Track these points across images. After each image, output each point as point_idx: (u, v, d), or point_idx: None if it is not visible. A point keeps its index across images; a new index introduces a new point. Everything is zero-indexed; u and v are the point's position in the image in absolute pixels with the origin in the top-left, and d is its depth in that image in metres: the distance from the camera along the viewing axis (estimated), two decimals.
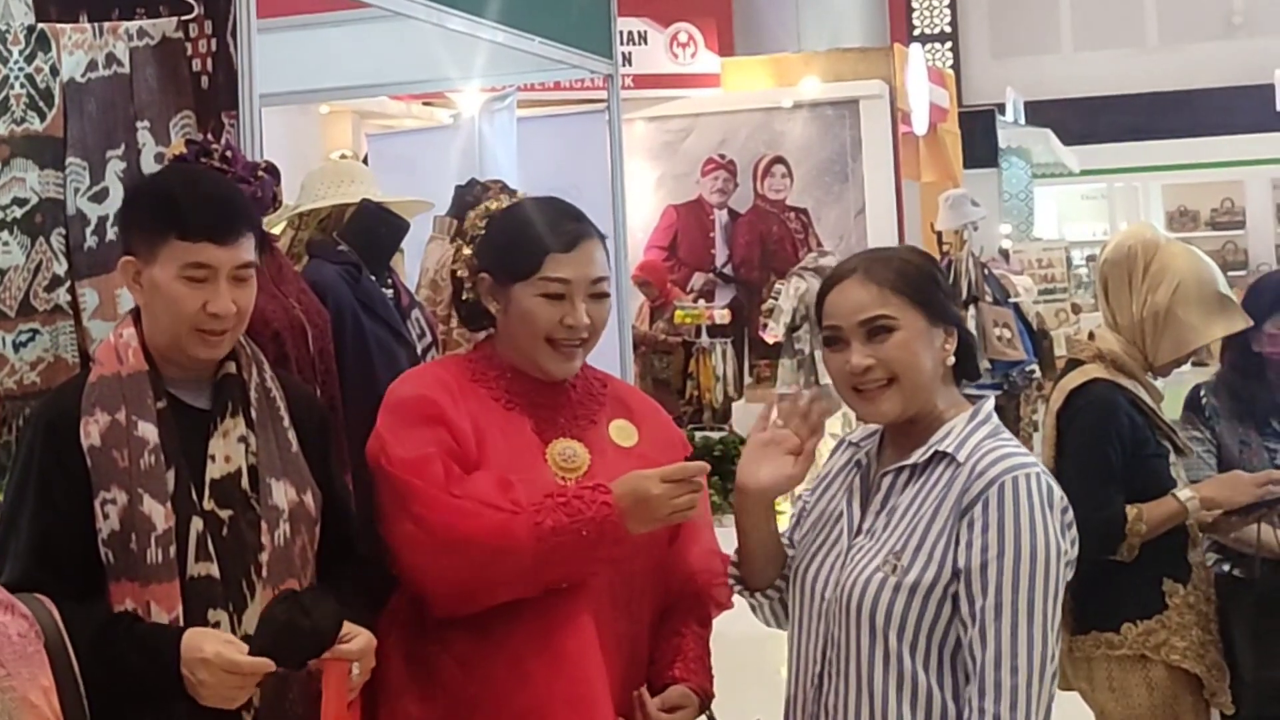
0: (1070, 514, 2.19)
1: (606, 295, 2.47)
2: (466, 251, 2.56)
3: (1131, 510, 3.13)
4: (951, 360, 2.27)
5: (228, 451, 2.30)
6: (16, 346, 2.85)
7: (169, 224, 2.26)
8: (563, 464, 2.42)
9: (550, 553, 2.28)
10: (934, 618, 2.14)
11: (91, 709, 2.09)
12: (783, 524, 2.41)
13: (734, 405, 9.43)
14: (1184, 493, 3.17)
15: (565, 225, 2.47)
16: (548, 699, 2.31)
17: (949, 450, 2.20)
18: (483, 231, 2.56)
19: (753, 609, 2.44)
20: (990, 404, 2.29)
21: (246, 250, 2.32)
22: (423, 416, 2.38)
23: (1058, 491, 2.17)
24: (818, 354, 8.09)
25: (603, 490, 2.30)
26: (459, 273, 2.57)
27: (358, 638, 2.23)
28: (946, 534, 2.15)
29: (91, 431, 2.24)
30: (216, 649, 2.12)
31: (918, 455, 2.23)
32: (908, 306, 2.22)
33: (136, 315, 2.36)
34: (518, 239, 2.48)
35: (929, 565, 2.14)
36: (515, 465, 2.38)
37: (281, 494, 2.31)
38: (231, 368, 2.36)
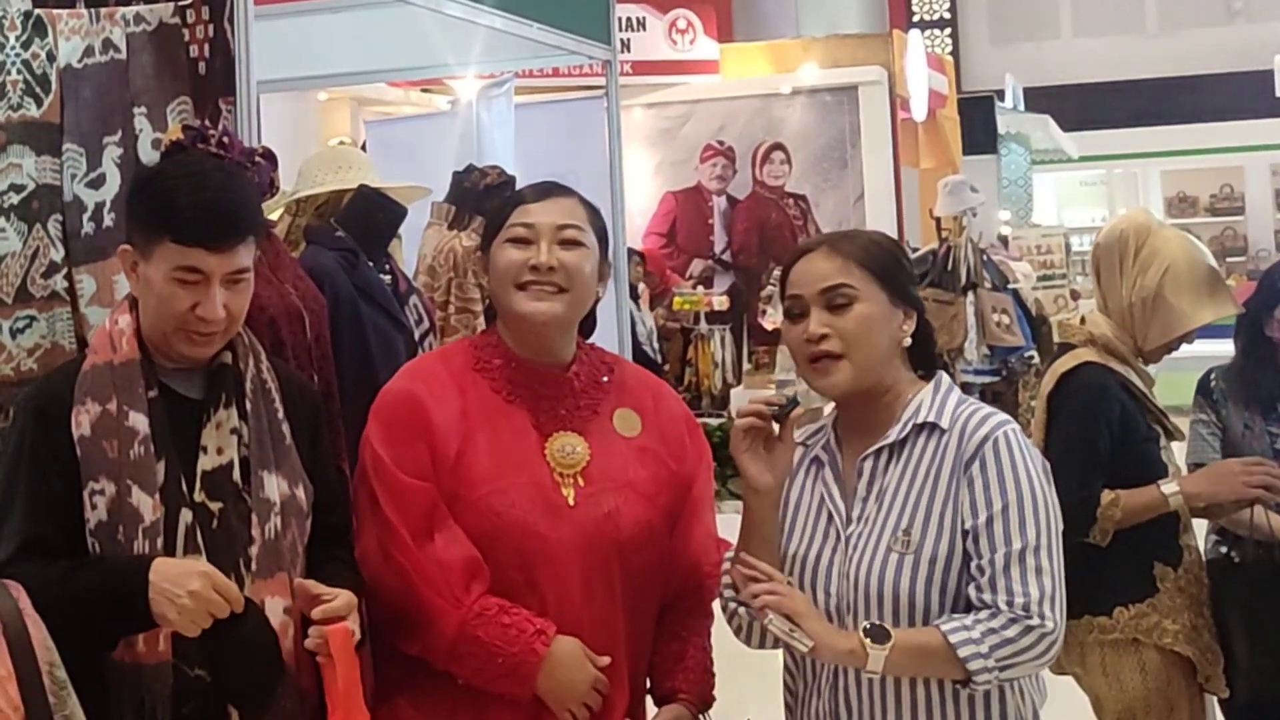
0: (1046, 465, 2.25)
1: (580, 244, 2.45)
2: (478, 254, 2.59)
3: (1107, 495, 3.13)
4: (908, 342, 2.29)
5: (220, 443, 2.29)
6: (14, 333, 2.84)
7: (164, 224, 2.24)
8: (561, 460, 2.41)
9: (464, 655, 2.31)
10: (956, 588, 2.17)
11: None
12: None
13: (732, 391, 9.44)
14: (1169, 486, 3.17)
15: (540, 184, 2.52)
16: None
17: (929, 420, 2.24)
18: None
19: (732, 624, 2.38)
20: (945, 375, 2.33)
21: (243, 256, 2.29)
22: (410, 426, 2.38)
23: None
24: None
25: (543, 639, 2.31)
26: (484, 282, 2.60)
27: (339, 596, 2.21)
28: (952, 502, 2.18)
29: (82, 421, 2.23)
30: (208, 567, 2.11)
31: (895, 433, 2.25)
32: (870, 281, 2.25)
33: (134, 301, 2.35)
34: (499, 207, 2.54)
35: (941, 536, 2.17)
36: (511, 463, 2.38)
37: (273, 487, 2.30)
38: (227, 357, 2.34)
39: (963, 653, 2.08)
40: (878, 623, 2.14)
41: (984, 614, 2.11)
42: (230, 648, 2.15)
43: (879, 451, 2.26)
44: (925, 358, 2.34)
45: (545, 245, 2.41)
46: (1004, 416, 2.24)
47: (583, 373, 2.50)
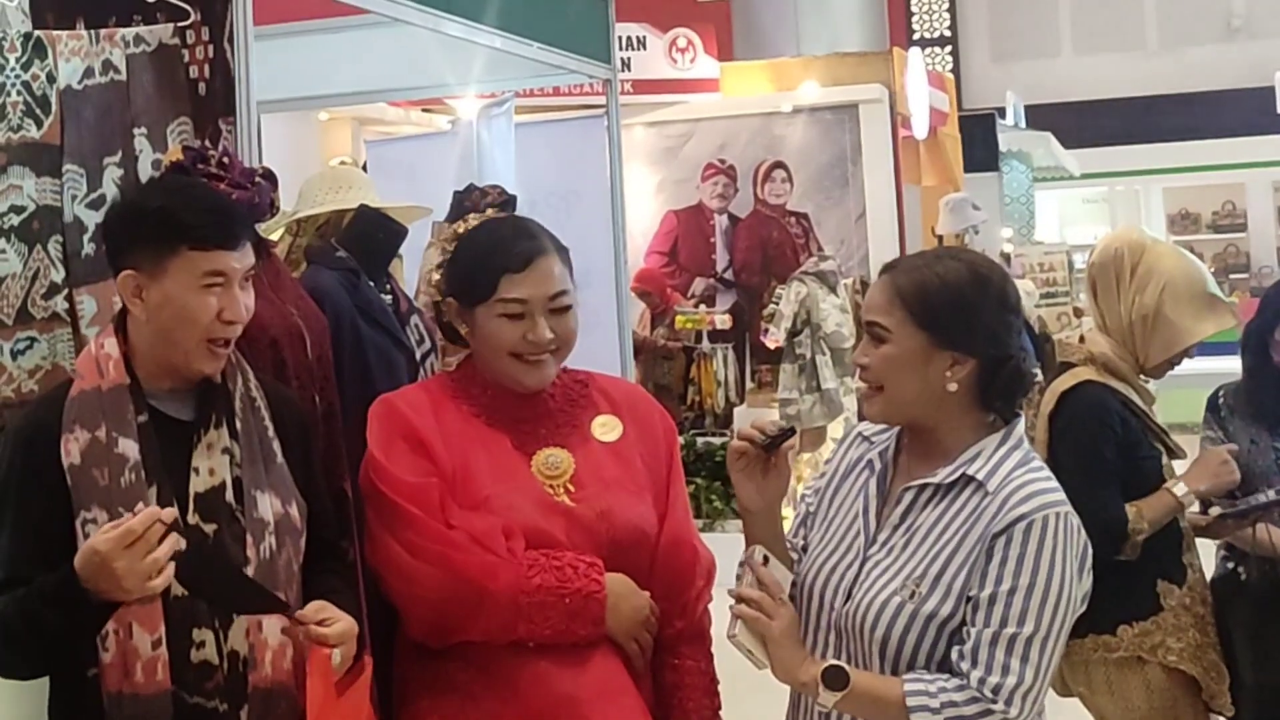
0: (1090, 555, 2.15)
1: (568, 308, 2.49)
2: (436, 276, 2.60)
3: (1131, 509, 3.14)
4: (953, 388, 2.17)
5: (212, 464, 2.27)
6: (14, 354, 2.84)
7: (179, 235, 2.25)
8: (547, 471, 2.46)
9: (530, 608, 2.33)
10: (947, 649, 2.11)
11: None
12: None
13: (735, 410, 9.41)
14: (1178, 487, 3.18)
15: (518, 245, 2.48)
16: (575, 690, 2.35)
17: (978, 477, 2.16)
18: (451, 255, 2.59)
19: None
20: (1021, 426, 2.24)
21: (250, 254, 2.33)
22: (411, 441, 2.42)
23: (1083, 532, 2.14)
24: (819, 359, 8.07)
25: (597, 569, 2.37)
26: (433, 297, 2.62)
27: (337, 623, 2.20)
28: (968, 567, 2.11)
29: (72, 450, 2.21)
30: (104, 536, 2.03)
31: (944, 475, 2.18)
32: (908, 323, 2.18)
33: (118, 324, 2.33)
34: (474, 263, 2.51)
35: (947, 598, 2.11)
36: (502, 476, 2.42)
37: (267, 506, 2.28)
38: (216, 377, 2.33)
39: (915, 718, 2.06)
40: (839, 664, 2.12)
41: (951, 683, 2.07)
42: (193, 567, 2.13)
43: (924, 488, 2.21)
44: (1001, 405, 2.22)
45: (541, 321, 2.45)
46: (1058, 499, 2.12)
47: (558, 393, 2.56)
